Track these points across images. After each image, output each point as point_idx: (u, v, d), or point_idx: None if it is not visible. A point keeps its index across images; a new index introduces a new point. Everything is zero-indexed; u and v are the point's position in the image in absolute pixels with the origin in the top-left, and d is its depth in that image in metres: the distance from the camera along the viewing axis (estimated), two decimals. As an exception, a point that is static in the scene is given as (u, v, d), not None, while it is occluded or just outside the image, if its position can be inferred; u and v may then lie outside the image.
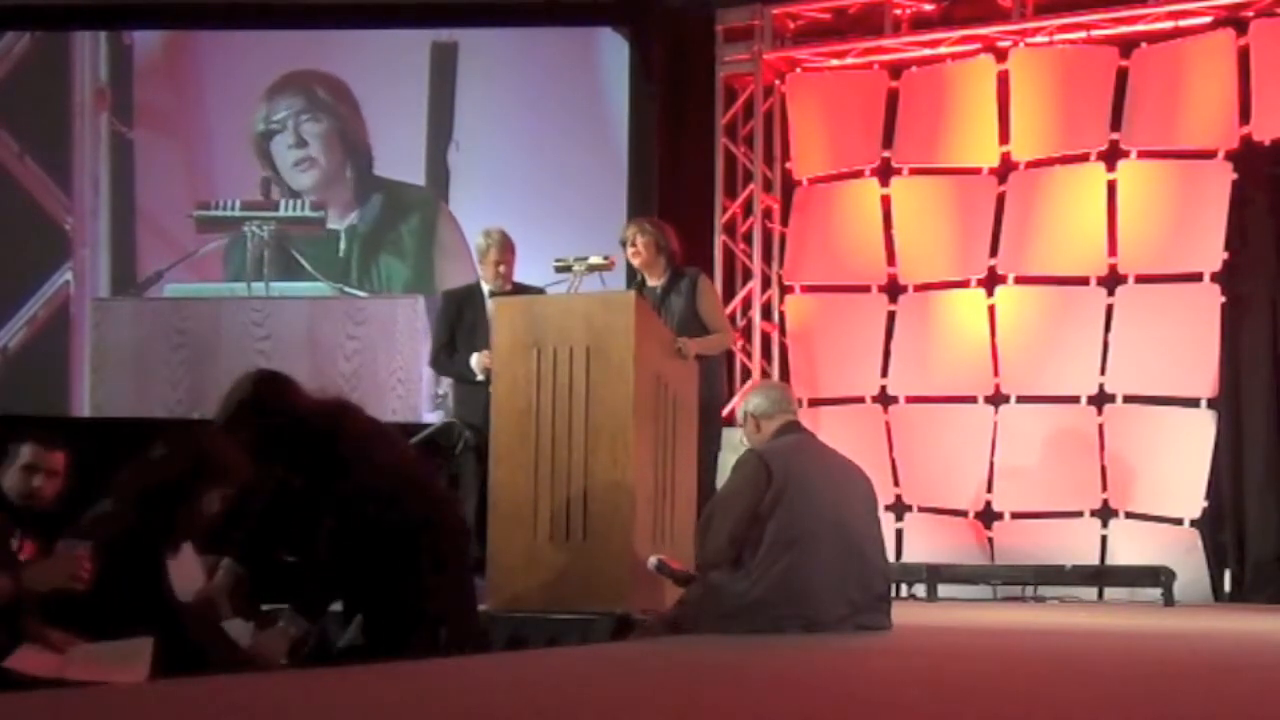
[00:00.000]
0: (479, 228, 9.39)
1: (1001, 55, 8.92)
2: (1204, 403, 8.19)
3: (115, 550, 4.11)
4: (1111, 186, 8.54)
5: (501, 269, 6.85)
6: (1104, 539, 8.37)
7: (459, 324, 6.85)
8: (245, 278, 9.67)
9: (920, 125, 9.10)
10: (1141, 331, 8.38)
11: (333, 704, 2.91)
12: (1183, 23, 8.49)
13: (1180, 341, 8.26)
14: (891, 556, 6.72)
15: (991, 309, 8.79)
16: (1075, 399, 8.53)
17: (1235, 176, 8.22)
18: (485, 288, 6.91)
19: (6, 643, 3.79)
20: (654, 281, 6.77)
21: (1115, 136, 8.55)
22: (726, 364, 9.11)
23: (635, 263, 6.81)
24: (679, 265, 6.84)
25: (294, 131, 9.85)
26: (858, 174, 9.26)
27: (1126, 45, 8.62)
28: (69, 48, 10.01)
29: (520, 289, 6.73)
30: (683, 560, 5.36)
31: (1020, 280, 8.74)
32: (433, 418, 8.83)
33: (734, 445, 6.73)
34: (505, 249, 6.89)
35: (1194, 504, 8.11)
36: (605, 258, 6.48)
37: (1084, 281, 8.59)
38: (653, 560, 5.31)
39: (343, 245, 9.73)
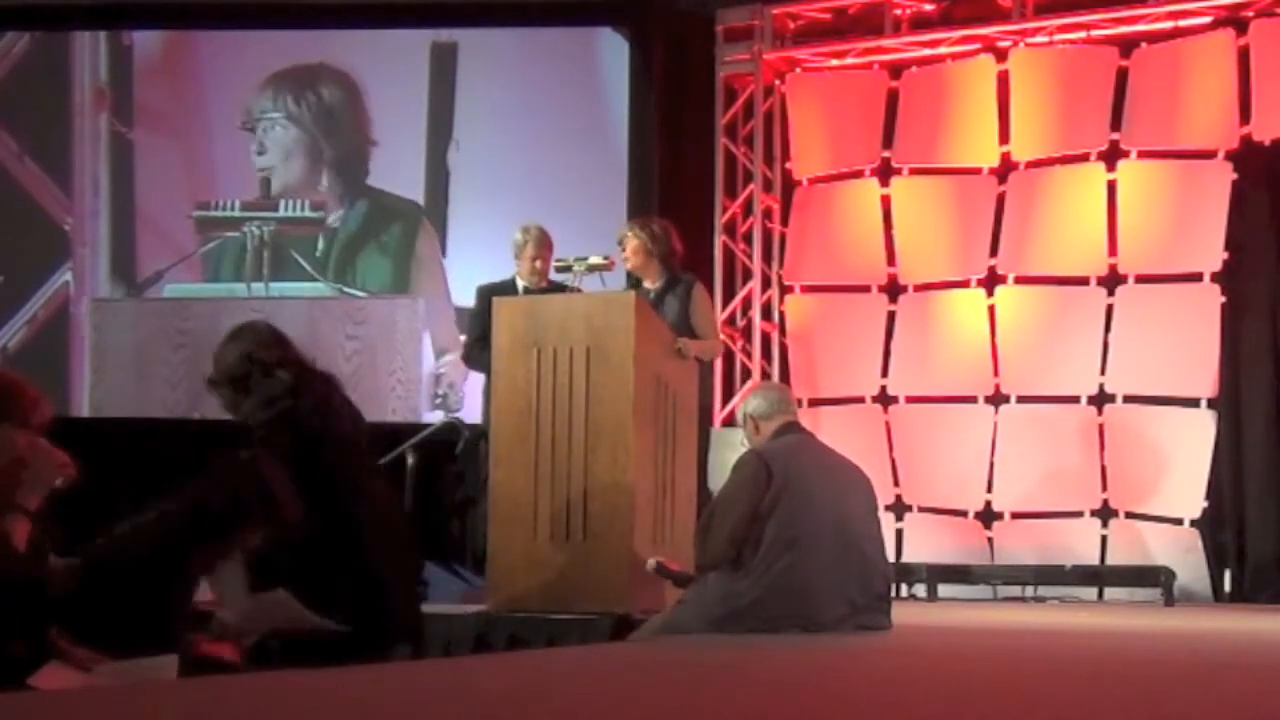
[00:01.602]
0: (479, 228, 9.47)
1: (1001, 55, 8.91)
2: (1204, 403, 8.19)
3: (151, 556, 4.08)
4: (1111, 186, 8.54)
5: (538, 265, 6.85)
6: (1104, 539, 8.36)
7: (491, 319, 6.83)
8: (244, 278, 9.67)
9: (920, 125, 9.10)
10: (1141, 331, 8.38)
11: (332, 704, 2.91)
12: (1183, 23, 8.49)
13: (1180, 341, 8.26)
14: (891, 556, 6.71)
15: (991, 309, 8.79)
16: (1075, 399, 8.53)
17: (1235, 176, 8.22)
18: (520, 284, 6.91)
19: (32, 660, 3.77)
20: (650, 284, 6.74)
21: (1115, 136, 8.55)
22: (726, 365, 9.16)
23: (630, 264, 6.79)
24: (677, 269, 6.82)
25: (276, 127, 9.84)
26: (858, 174, 9.26)
27: (1126, 45, 8.62)
28: (69, 48, 10.02)
29: (555, 287, 6.72)
30: (682, 561, 5.36)
31: (1020, 280, 8.74)
32: (433, 418, 8.83)
33: (734, 446, 6.73)
34: (542, 245, 6.89)
35: (1194, 504, 8.11)
36: (605, 258, 6.48)
37: (1084, 281, 8.58)
38: (651, 562, 5.31)
39: (320, 246, 9.72)
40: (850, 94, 9.30)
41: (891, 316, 9.06)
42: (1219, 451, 8.12)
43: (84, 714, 2.72)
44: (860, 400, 9.05)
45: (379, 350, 9.46)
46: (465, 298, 9.21)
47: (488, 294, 6.96)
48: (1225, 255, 8.20)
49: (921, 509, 8.84)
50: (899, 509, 8.82)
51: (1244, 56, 8.25)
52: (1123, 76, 8.58)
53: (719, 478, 6.80)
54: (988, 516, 8.66)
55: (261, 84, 9.87)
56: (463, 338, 9.05)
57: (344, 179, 9.82)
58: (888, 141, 9.16)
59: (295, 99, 9.86)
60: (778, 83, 9.46)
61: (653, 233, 6.78)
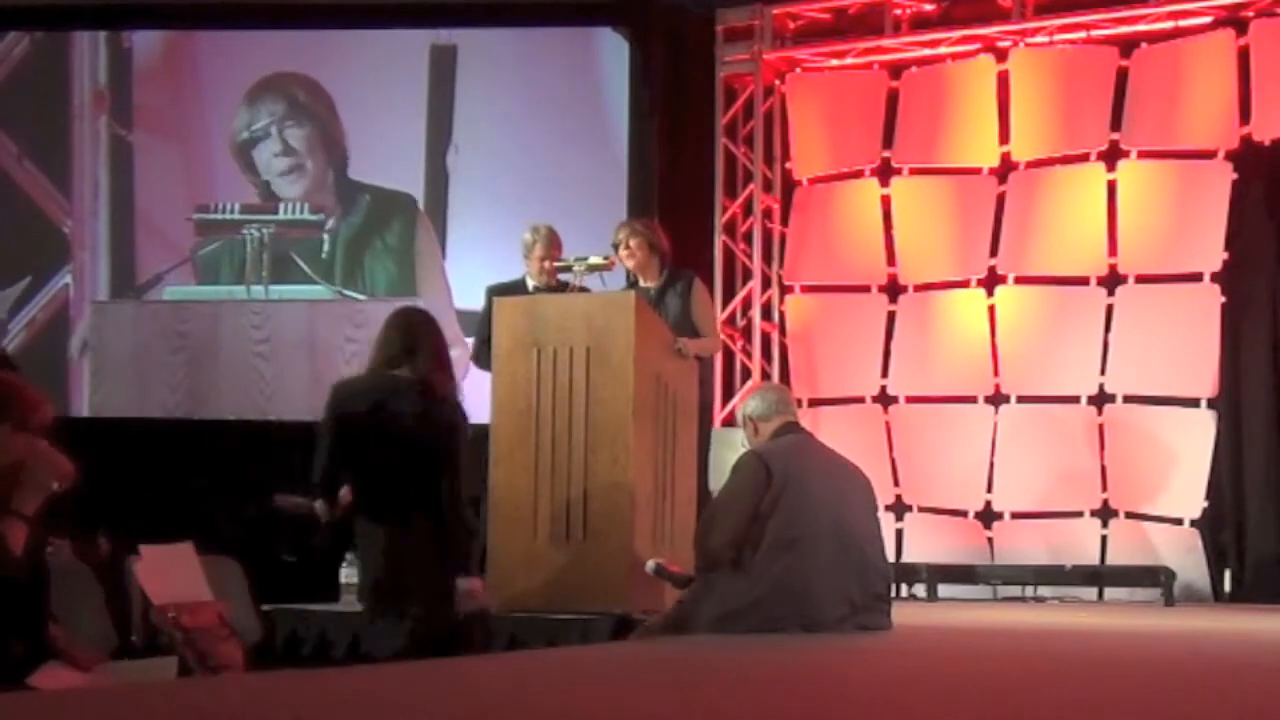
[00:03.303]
0: (479, 230, 9.46)
1: (1001, 55, 8.91)
2: (1204, 403, 8.18)
3: None
4: (1111, 186, 8.53)
5: (546, 264, 6.83)
6: (1104, 539, 8.36)
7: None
8: (243, 280, 9.66)
9: (920, 125, 9.09)
10: (1141, 331, 8.37)
11: (333, 704, 2.91)
12: (1183, 23, 8.47)
13: (1180, 341, 8.26)
14: (891, 556, 6.72)
15: (991, 309, 8.78)
16: (1075, 399, 8.52)
17: (1235, 176, 8.21)
18: (530, 284, 6.89)
19: (30, 660, 3.76)
20: (648, 282, 6.71)
21: (1115, 136, 8.54)
22: (726, 365, 9.16)
23: (629, 264, 6.71)
24: (673, 266, 6.81)
25: (279, 138, 9.83)
26: (858, 174, 9.25)
27: (1126, 45, 8.61)
28: (68, 50, 10.01)
29: (565, 287, 6.69)
30: (681, 562, 5.36)
31: (1020, 280, 8.74)
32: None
33: (734, 446, 6.73)
34: (550, 244, 6.86)
35: (1194, 504, 8.11)
36: (605, 258, 6.47)
37: (1084, 281, 8.58)
38: (651, 564, 5.31)
39: (326, 247, 9.71)
40: (850, 94, 9.29)
41: (891, 316, 9.05)
42: (1219, 451, 8.11)
43: (84, 714, 2.71)
44: (860, 400, 9.04)
45: (378, 352, 9.43)
46: (465, 300, 9.23)
47: (497, 294, 6.93)
48: (1225, 255, 8.19)
49: (921, 509, 8.83)
50: (899, 509, 8.81)
51: (1244, 56, 8.24)
52: (1123, 76, 8.57)
53: (719, 478, 6.79)
54: (988, 516, 8.65)
55: (258, 89, 9.85)
56: (465, 337, 9.05)
57: (346, 178, 9.80)
58: (888, 141, 9.15)
59: (298, 99, 9.85)
60: (778, 83, 9.45)
61: (652, 231, 6.79)
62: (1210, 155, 8.32)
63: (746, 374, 9.27)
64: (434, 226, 9.69)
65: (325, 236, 9.72)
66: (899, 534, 8.75)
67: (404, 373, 5.06)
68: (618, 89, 9.58)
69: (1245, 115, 8.20)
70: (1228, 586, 8.07)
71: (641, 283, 6.71)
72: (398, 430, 5.00)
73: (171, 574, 4.57)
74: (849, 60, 9.31)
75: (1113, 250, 8.48)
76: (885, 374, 8.99)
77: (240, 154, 9.85)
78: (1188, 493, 8.13)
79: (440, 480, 5.01)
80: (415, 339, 5.11)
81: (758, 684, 3.41)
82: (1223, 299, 8.19)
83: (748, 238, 9.40)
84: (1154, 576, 7.79)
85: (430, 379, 5.08)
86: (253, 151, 9.85)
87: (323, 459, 5.01)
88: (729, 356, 9.21)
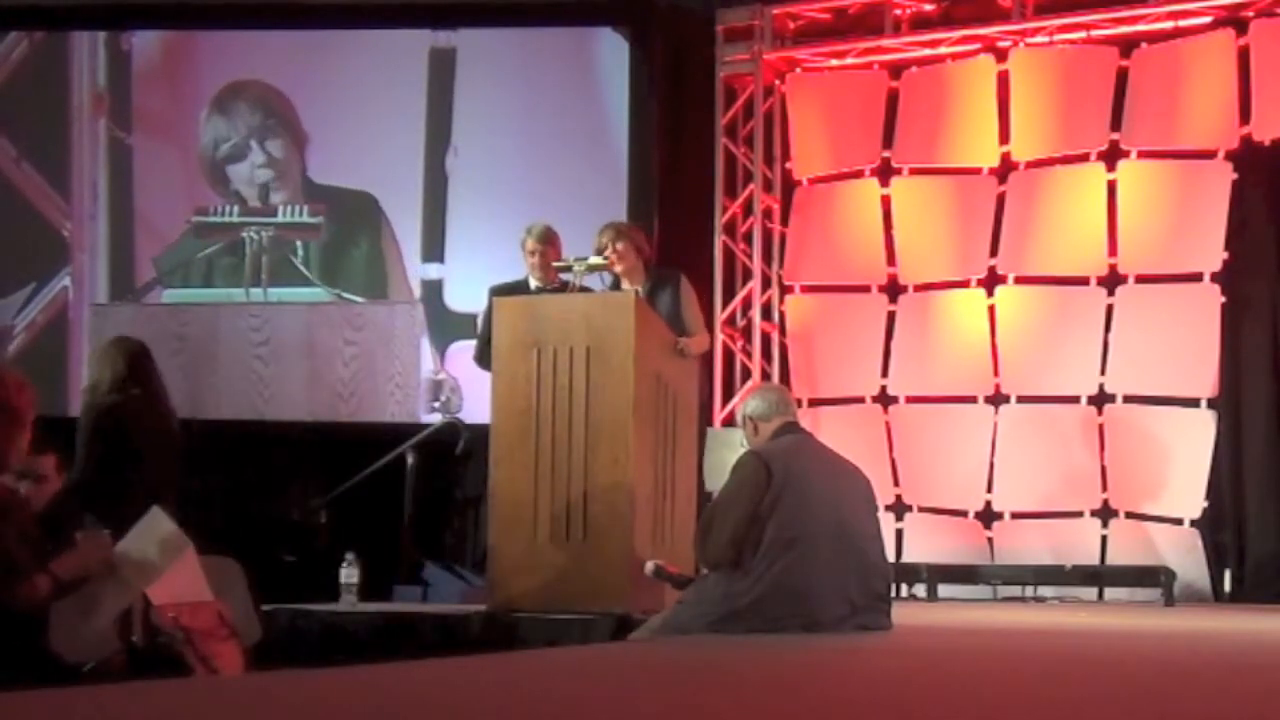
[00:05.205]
0: (479, 232, 9.44)
1: (1001, 55, 8.91)
2: (1204, 403, 8.18)
3: None
4: (1111, 186, 8.53)
5: (535, 260, 6.84)
6: (1104, 539, 8.36)
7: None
8: (242, 283, 9.64)
9: (920, 125, 9.09)
10: (1141, 331, 8.38)
11: (332, 704, 2.91)
12: (1183, 23, 8.48)
13: (1180, 341, 8.26)
14: (891, 556, 6.71)
15: (991, 309, 8.79)
16: (1075, 399, 8.52)
17: (1235, 176, 8.22)
18: (532, 284, 6.88)
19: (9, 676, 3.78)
20: (635, 285, 6.62)
21: (1115, 136, 8.54)
22: (725, 365, 9.16)
23: (618, 269, 6.59)
24: (658, 267, 6.79)
25: (260, 149, 9.80)
26: (858, 174, 9.25)
27: (1126, 45, 8.61)
28: (67, 52, 9.99)
29: (566, 286, 6.67)
30: (681, 561, 5.35)
31: (1020, 280, 8.74)
32: (431, 420, 8.81)
33: (733, 446, 6.72)
34: (542, 241, 6.87)
35: (1194, 504, 8.11)
36: (605, 258, 6.46)
37: (1084, 281, 8.58)
38: (650, 565, 5.30)
39: (300, 252, 9.68)
40: (850, 94, 9.29)
41: (891, 316, 9.06)
42: (1219, 451, 8.11)
43: (84, 713, 2.71)
44: (860, 400, 9.04)
45: (377, 355, 9.43)
46: (464, 301, 9.22)
47: (499, 294, 6.92)
48: (1225, 255, 8.20)
49: (921, 509, 8.83)
50: (899, 509, 8.81)
51: (1244, 56, 8.24)
52: (1123, 76, 8.57)
53: (715, 478, 6.79)
54: (988, 516, 8.65)
55: (218, 100, 9.81)
56: (461, 340, 9.05)
57: (309, 180, 9.77)
58: (888, 141, 9.16)
59: (276, 106, 9.81)
60: (778, 83, 9.46)
61: (636, 233, 6.75)
62: (1210, 155, 8.32)
63: (746, 374, 9.27)
64: (434, 228, 9.67)
65: (297, 242, 9.68)
66: (899, 534, 8.75)
67: (138, 392, 5.97)
68: (618, 89, 9.57)
69: (1245, 115, 8.20)
70: (1228, 586, 8.08)
71: (626, 286, 6.62)
72: (166, 436, 6.04)
73: (171, 574, 4.57)
74: (849, 60, 9.31)
75: (1113, 250, 8.49)
76: (885, 374, 8.99)
77: (215, 169, 9.80)
78: (1188, 493, 8.13)
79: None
80: (147, 364, 6.12)
81: (758, 684, 3.40)
82: (1223, 299, 8.20)
83: (748, 238, 9.40)
84: (1154, 576, 7.79)
85: (164, 393, 6.16)
86: (228, 167, 9.81)
87: (92, 468, 5.79)
88: (729, 356, 9.21)
